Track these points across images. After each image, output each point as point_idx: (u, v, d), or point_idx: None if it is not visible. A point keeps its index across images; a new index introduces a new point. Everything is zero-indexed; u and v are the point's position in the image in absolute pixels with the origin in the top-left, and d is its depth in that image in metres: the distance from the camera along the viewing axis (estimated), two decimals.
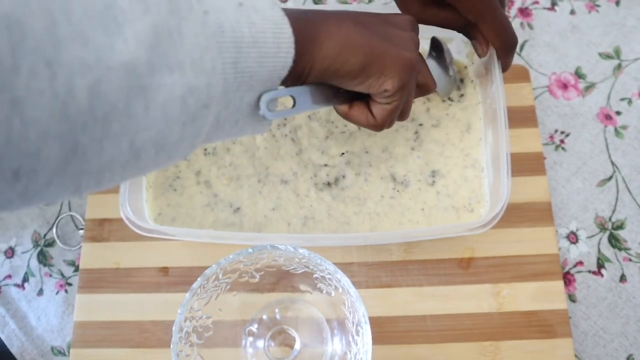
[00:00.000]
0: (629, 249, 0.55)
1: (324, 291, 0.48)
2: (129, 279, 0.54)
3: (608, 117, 0.60)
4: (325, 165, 0.55)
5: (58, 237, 0.57)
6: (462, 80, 0.58)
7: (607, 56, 0.63)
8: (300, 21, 0.34)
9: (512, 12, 0.65)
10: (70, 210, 0.59)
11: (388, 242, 0.53)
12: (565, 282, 0.54)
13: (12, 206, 0.24)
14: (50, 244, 0.58)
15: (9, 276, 0.57)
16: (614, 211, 0.57)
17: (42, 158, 0.22)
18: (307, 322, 0.52)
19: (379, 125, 0.42)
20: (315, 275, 0.46)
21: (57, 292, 0.56)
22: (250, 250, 0.42)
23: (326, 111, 0.57)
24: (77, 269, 0.57)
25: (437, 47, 0.54)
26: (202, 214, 0.54)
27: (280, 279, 0.51)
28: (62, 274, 0.57)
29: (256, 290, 0.51)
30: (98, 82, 0.23)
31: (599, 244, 0.56)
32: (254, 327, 0.51)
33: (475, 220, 0.49)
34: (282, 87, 0.35)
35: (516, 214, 0.54)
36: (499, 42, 0.46)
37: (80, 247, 0.56)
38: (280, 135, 0.56)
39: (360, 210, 0.54)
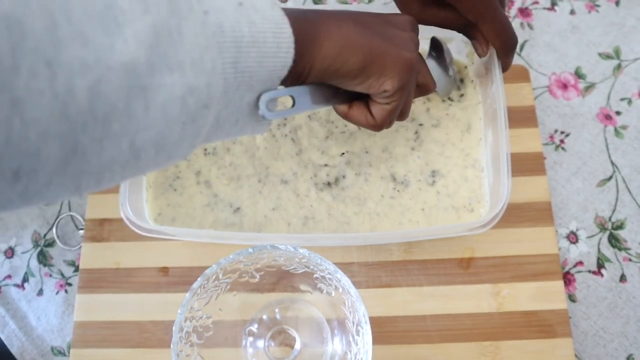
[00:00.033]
0: (629, 249, 0.55)
1: (324, 291, 0.48)
2: (129, 279, 0.54)
3: (608, 117, 0.60)
4: (326, 165, 0.55)
5: (58, 237, 0.57)
6: (462, 80, 0.58)
7: (607, 56, 0.63)
8: (300, 21, 0.34)
9: (512, 12, 0.65)
10: (70, 210, 0.59)
11: (388, 242, 0.53)
12: (565, 282, 0.54)
13: (12, 206, 0.24)
14: (50, 244, 0.58)
15: (9, 276, 0.57)
16: (613, 211, 0.57)
17: (42, 158, 0.22)
18: (307, 322, 0.52)
19: (378, 126, 0.42)
20: (315, 275, 0.46)
21: (57, 292, 0.56)
22: (250, 250, 0.42)
23: (326, 111, 0.57)
24: (77, 269, 0.57)
25: (437, 47, 0.54)
26: (202, 214, 0.54)
27: (280, 279, 0.51)
28: (62, 274, 0.57)
29: (256, 290, 0.51)
30: (98, 82, 0.23)
31: (599, 244, 0.56)
32: (254, 327, 0.51)
33: (475, 220, 0.49)
34: (281, 87, 0.35)
35: (516, 214, 0.54)
36: (499, 42, 0.46)
37: (80, 247, 0.56)
38: (281, 135, 0.56)
39: (361, 210, 0.54)
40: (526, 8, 0.65)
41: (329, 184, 0.54)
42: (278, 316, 0.52)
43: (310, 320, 0.52)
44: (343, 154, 0.55)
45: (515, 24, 0.64)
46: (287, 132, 0.56)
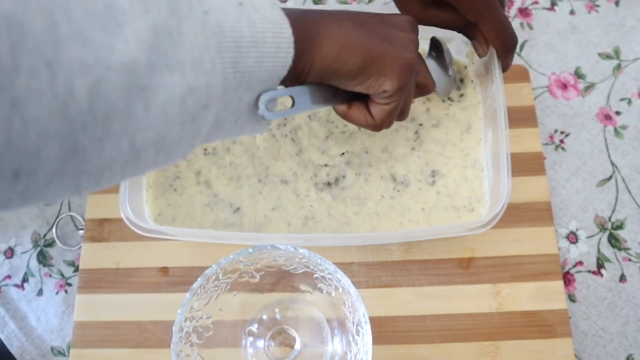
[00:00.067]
0: (628, 249, 0.55)
1: (324, 291, 0.48)
2: (129, 279, 0.54)
3: (608, 117, 0.60)
4: (326, 165, 0.55)
5: (58, 237, 0.57)
6: (462, 80, 0.58)
7: (607, 56, 0.63)
8: (300, 21, 0.34)
9: (511, 12, 0.65)
10: (70, 210, 0.59)
11: (388, 242, 0.53)
12: (565, 282, 0.54)
13: (12, 206, 0.24)
14: (50, 244, 0.58)
15: (9, 276, 0.57)
16: (613, 211, 0.57)
17: (42, 158, 0.22)
18: (307, 322, 0.52)
19: (377, 126, 0.42)
20: (315, 275, 0.46)
21: (57, 293, 0.56)
22: (250, 250, 0.42)
23: (326, 111, 0.57)
24: (77, 269, 0.57)
25: (436, 47, 0.54)
26: (202, 214, 0.54)
27: (280, 279, 0.51)
28: (62, 274, 0.57)
29: (256, 290, 0.51)
30: (98, 82, 0.23)
31: (598, 243, 0.56)
32: (254, 327, 0.51)
33: (475, 220, 0.49)
34: (281, 87, 0.35)
35: (516, 214, 0.54)
36: (499, 42, 0.46)
37: (80, 247, 0.56)
38: (281, 135, 0.56)
39: (361, 210, 0.54)
40: (526, 8, 0.65)
41: (329, 184, 0.54)
42: (278, 316, 0.52)
43: (310, 320, 0.52)
44: (343, 154, 0.55)
45: (515, 24, 0.64)
46: (287, 132, 0.56)
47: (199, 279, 0.42)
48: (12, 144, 0.21)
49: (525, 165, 0.56)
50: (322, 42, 0.35)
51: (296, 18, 0.33)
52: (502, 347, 0.51)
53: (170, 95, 0.26)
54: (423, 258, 0.54)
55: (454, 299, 0.53)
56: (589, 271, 0.55)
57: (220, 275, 0.44)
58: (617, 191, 0.57)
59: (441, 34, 0.52)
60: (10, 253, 0.58)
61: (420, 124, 0.56)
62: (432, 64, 0.55)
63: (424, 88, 0.44)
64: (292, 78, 0.35)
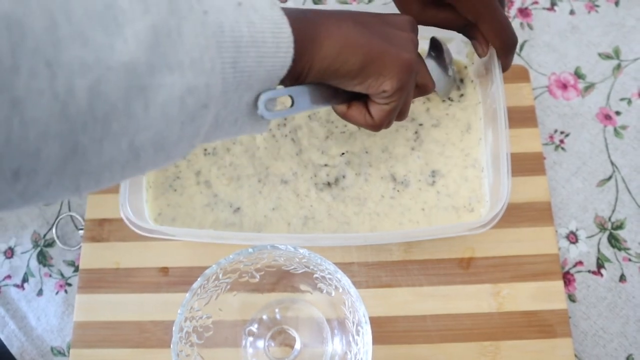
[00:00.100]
0: (628, 249, 0.55)
1: (324, 291, 0.48)
2: (129, 279, 0.54)
3: (607, 117, 0.60)
4: (326, 165, 0.55)
5: (58, 237, 0.57)
6: (462, 80, 0.58)
7: (607, 56, 0.63)
8: (299, 21, 0.34)
9: (511, 13, 0.65)
10: (70, 210, 0.59)
11: (388, 242, 0.53)
12: (565, 282, 0.54)
13: (12, 206, 0.24)
14: (50, 244, 0.58)
15: (9, 276, 0.57)
16: (613, 211, 0.57)
17: (42, 158, 0.22)
18: (307, 322, 0.52)
19: (376, 126, 0.42)
20: (315, 275, 0.46)
21: (57, 293, 0.56)
22: (250, 250, 0.42)
23: (326, 111, 0.57)
24: (76, 269, 0.57)
25: (436, 47, 0.54)
26: (202, 214, 0.54)
27: (280, 279, 0.51)
28: (61, 274, 0.57)
29: (256, 290, 0.51)
30: (98, 82, 0.23)
31: (598, 243, 0.56)
32: (254, 327, 0.51)
33: (475, 220, 0.49)
34: (281, 87, 0.35)
35: (516, 214, 0.54)
36: (498, 41, 0.46)
37: (80, 247, 0.56)
38: (280, 136, 0.56)
39: (361, 210, 0.54)
40: (526, 8, 0.65)
41: (329, 184, 0.54)
42: (278, 316, 0.52)
43: (310, 320, 0.52)
44: (343, 154, 0.55)
45: (515, 24, 0.64)
46: (287, 132, 0.56)
47: (199, 279, 0.42)
48: (12, 144, 0.21)
49: (525, 165, 0.56)
50: (322, 42, 0.35)
51: (296, 18, 0.33)
52: (502, 347, 0.51)
53: (170, 95, 0.26)
54: (423, 258, 0.54)
55: (454, 299, 0.53)
56: (589, 271, 0.55)
57: (220, 275, 0.44)
58: (617, 191, 0.57)
59: (441, 34, 0.52)
60: (10, 253, 0.58)
61: (420, 124, 0.56)
62: (431, 64, 0.55)
63: (424, 88, 0.44)
64: (292, 78, 0.35)
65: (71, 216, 0.58)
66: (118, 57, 0.24)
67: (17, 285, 0.57)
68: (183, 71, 0.26)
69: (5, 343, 0.55)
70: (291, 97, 0.37)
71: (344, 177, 0.55)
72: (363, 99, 0.41)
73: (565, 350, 0.51)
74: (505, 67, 0.49)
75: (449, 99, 0.57)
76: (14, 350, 0.54)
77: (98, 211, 0.56)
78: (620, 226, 0.56)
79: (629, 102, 0.61)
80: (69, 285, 0.56)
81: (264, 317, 0.52)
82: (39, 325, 0.55)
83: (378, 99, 0.40)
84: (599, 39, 0.63)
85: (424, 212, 0.53)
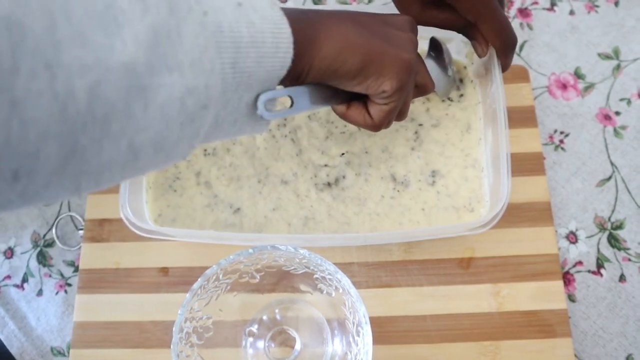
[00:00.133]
0: (628, 249, 0.55)
1: (325, 292, 0.48)
2: (129, 279, 0.54)
3: (607, 118, 0.60)
4: (326, 165, 0.55)
5: (57, 237, 0.57)
6: (461, 80, 0.58)
7: (606, 56, 0.63)
8: (299, 21, 0.34)
9: (511, 13, 0.65)
10: (69, 210, 0.59)
11: (388, 242, 0.53)
12: (564, 282, 0.54)
13: (12, 206, 0.24)
14: (50, 244, 0.58)
15: (9, 277, 0.57)
16: (613, 211, 0.57)
17: (42, 158, 0.22)
18: (307, 322, 0.52)
19: (376, 126, 0.42)
20: (315, 276, 0.46)
21: (57, 293, 0.56)
22: (250, 250, 0.42)
23: (326, 111, 0.57)
24: (76, 269, 0.57)
25: (436, 47, 0.54)
26: (203, 215, 0.54)
27: (280, 280, 0.51)
28: (61, 275, 0.57)
29: (256, 291, 0.51)
30: (98, 83, 0.23)
31: (598, 243, 0.56)
32: (254, 328, 0.51)
33: (476, 220, 0.49)
34: (280, 87, 0.35)
35: (516, 214, 0.55)
36: (498, 41, 0.46)
37: (80, 247, 0.56)
38: (280, 136, 0.56)
39: (361, 210, 0.54)
40: (526, 8, 0.65)
41: (329, 184, 0.54)
42: (278, 317, 0.52)
43: (310, 320, 0.52)
44: (343, 154, 0.55)
45: (515, 24, 0.64)
46: (287, 132, 0.56)
47: (199, 280, 0.42)
48: (11, 144, 0.21)
49: (525, 165, 0.56)
50: (321, 42, 0.35)
51: (296, 18, 0.33)
52: (502, 347, 0.51)
53: (170, 96, 0.26)
54: (423, 258, 0.54)
55: (454, 299, 0.53)
56: (589, 271, 0.55)
57: (221, 276, 0.44)
58: (617, 191, 0.57)
59: (440, 34, 0.52)
60: (10, 253, 0.58)
61: (420, 124, 0.56)
62: (431, 64, 0.55)
63: (423, 88, 0.44)
64: (292, 78, 0.35)
65: (71, 216, 0.58)
66: (118, 57, 0.24)
67: (17, 286, 0.57)
68: (182, 72, 0.26)
69: (5, 343, 0.55)
70: (290, 97, 0.37)
71: (344, 177, 0.55)
72: (362, 99, 0.41)
73: (565, 350, 0.51)
74: (504, 67, 0.49)
75: (449, 99, 0.57)
76: (13, 351, 0.54)
77: (98, 211, 0.56)
78: (620, 226, 0.56)
79: (629, 102, 0.61)
80: (69, 285, 0.56)
81: (264, 317, 0.52)
82: (39, 325, 0.55)
83: (377, 99, 0.40)
84: (598, 39, 0.63)
85: (424, 212, 0.53)
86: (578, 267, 0.55)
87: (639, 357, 0.52)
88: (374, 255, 0.54)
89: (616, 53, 0.63)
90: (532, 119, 0.58)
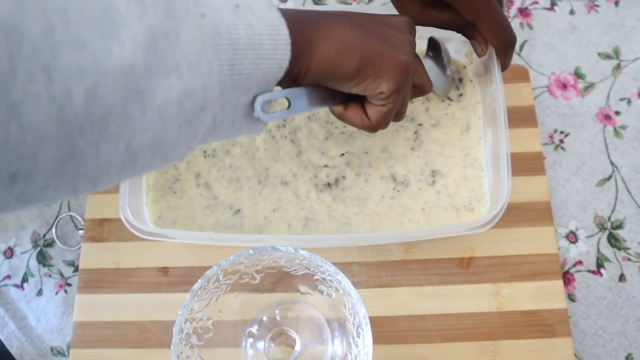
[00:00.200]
0: (628, 249, 0.55)
1: (325, 293, 0.48)
2: (129, 279, 0.54)
3: (607, 117, 0.60)
4: (325, 166, 0.55)
5: (57, 237, 0.57)
6: (461, 80, 0.58)
7: (607, 56, 0.63)
8: (297, 22, 0.34)
9: (511, 12, 0.65)
10: (69, 210, 0.59)
11: (388, 242, 0.53)
12: (564, 282, 0.54)
13: (9, 208, 0.24)
14: (50, 244, 0.58)
15: (8, 276, 0.57)
16: (613, 211, 0.57)
17: (39, 161, 0.22)
18: (307, 323, 0.52)
19: (373, 127, 0.42)
20: (315, 277, 0.46)
21: (57, 293, 0.56)
22: (250, 251, 0.42)
23: (325, 112, 0.57)
24: (76, 269, 0.57)
25: (434, 47, 0.54)
26: (202, 216, 0.54)
27: (280, 280, 0.51)
28: (61, 274, 0.57)
29: (257, 292, 0.51)
30: (95, 86, 0.23)
31: (598, 243, 0.56)
32: (254, 328, 0.51)
33: (476, 220, 0.49)
34: (278, 89, 0.35)
35: (516, 214, 0.54)
36: (497, 41, 0.46)
37: (80, 247, 0.56)
38: (280, 137, 0.56)
39: (361, 210, 0.54)
40: (526, 8, 0.65)
41: (329, 184, 0.54)
42: (278, 317, 0.52)
43: (310, 321, 0.52)
44: (343, 154, 0.55)
45: (515, 24, 0.64)
46: (287, 133, 0.56)
47: (199, 280, 0.42)
48: (9, 147, 0.21)
49: (525, 165, 0.56)
50: (319, 44, 0.35)
51: (294, 19, 0.33)
52: (502, 347, 0.51)
53: (167, 98, 0.26)
54: (423, 258, 0.54)
55: (454, 299, 0.53)
56: (589, 271, 0.55)
57: (221, 277, 0.44)
58: (617, 191, 0.57)
59: (439, 33, 0.52)
60: (9, 253, 0.58)
61: (420, 124, 0.56)
62: (430, 64, 0.55)
63: (421, 89, 0.44)
64: (289, 80, 0.35)
65: (71, 216, 0.58)
66: (115, 60, 0.24)
67: (16, 286, 0.57)
68: (180, 74, 0.26)
69: (5, 343, 0.55)
70: (288, 99, 0.37)
71: (344, 177, 0.55)
72: (360, 100, 0.41)
73: (565, 350, 0.51)
74: (504, 66, 0.49)
75: (448, 98, 0.57)
76: (13, 351, 0.54)
77: (98, 211, 0.56)
78: (619, 226, 0.56)
79: (629, 102, 0.61)
80: (69, 285, 0.56)
81: (264, 318, 0.52)
82: (39, 325, 0.55)
83: (375, 100, 0.40)
84: (598, 39, 0.63)
85: (424, 212, 0.53)
86: (578, 267, 0.55)
87: (639, 356, 0.52)
88: (374, 255, 0.54)
89: (616, 53, 0.63)
90: (532, 118, 0.58)
